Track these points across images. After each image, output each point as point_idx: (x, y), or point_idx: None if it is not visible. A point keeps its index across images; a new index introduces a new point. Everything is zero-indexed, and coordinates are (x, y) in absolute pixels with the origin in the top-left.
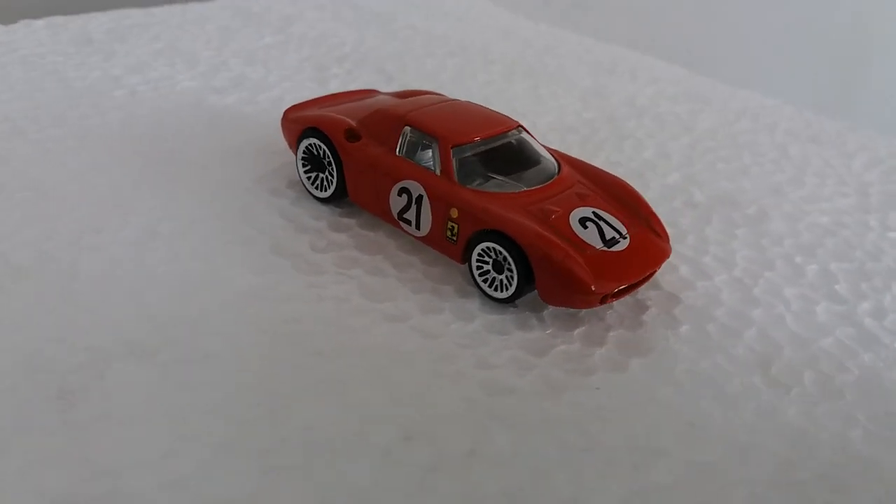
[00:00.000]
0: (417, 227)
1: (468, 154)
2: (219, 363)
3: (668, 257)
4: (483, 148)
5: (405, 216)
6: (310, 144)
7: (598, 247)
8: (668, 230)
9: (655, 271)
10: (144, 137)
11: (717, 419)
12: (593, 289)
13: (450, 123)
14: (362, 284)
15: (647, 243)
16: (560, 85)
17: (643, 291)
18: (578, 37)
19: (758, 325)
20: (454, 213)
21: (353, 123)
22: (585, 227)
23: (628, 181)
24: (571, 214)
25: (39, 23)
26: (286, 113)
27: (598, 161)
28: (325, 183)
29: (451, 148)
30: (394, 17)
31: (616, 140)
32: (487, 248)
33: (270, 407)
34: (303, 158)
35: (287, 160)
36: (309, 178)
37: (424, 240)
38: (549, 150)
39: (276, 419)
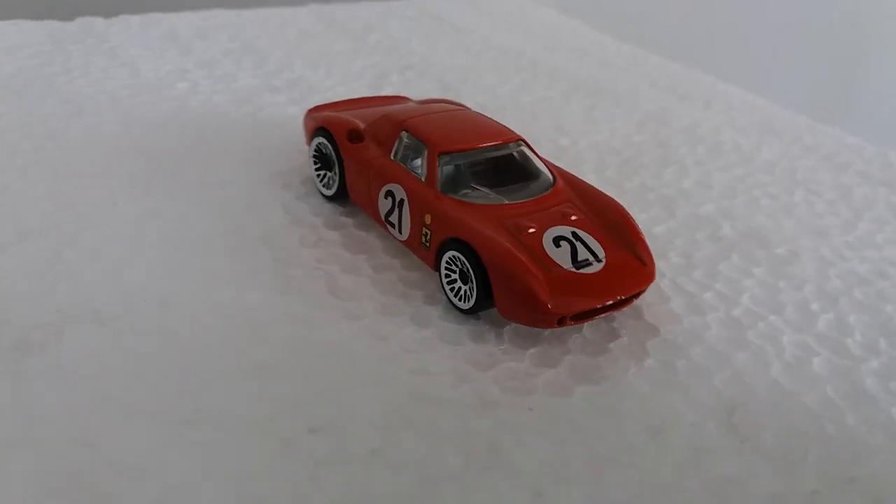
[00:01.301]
0: (399, 230)
1: (456, 162)
2: (170, 338)
3: (647, 285)
4: (473, 158)
5: (390, 219)
6: (319, 143)
7: (566, 267)
8: (678, 262)
9: (632, 299)
10: (187, 126)
11: (644, 457)
12: (550, 307)
13: (444, 131)
14: (334, 281)
15: (625, 268)
16: (622, 107)
17: (621, 319)
18: (663, 61)
19: (736, 369)
20: (428, 219)
21: (361, 126)
22: (558, 246)
23: (655, 207)
24: (547, 232)
25: (135, 18)
26: (308, 112)
27: (631, 184)
28: (331, 181)
29: (438, 155)
30: (473, 31)
31: (658, 166)
32: (454, 256)
33: (198, 383)
34: (314, 156)
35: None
36: (318, 175)
37: (405, 244)
38: (550, 167)
39: (198, 395)
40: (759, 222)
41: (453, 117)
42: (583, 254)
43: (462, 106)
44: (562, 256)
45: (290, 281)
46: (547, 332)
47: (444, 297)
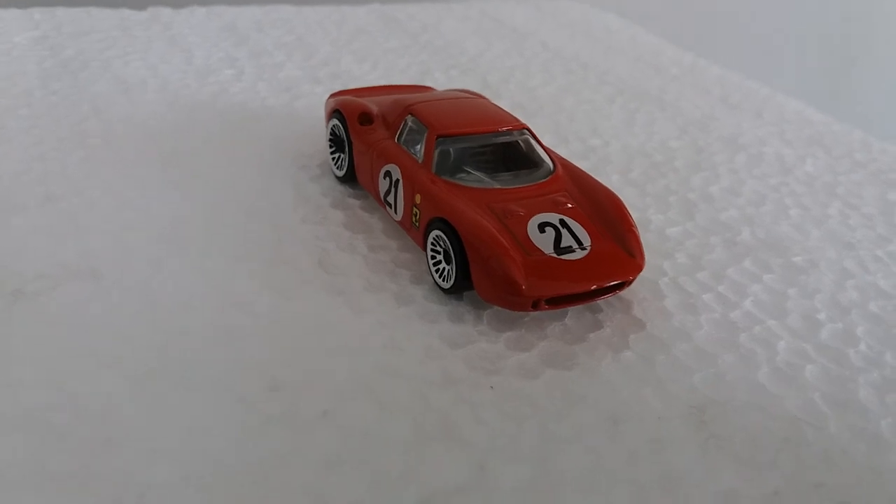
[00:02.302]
0: (395, 210)
1: (454, 146)
2: (153, 298)
3: (630, 276)
4: (472, 143)
5: (388, 199)
6: (334, 126)
7: (546, 252)
8: (684, 262)
9: (616, 289)
10: (226, 109)
11: (599, 444)
12: (523, 288)
13: (446, 116)
14: (327, 257)
15: (609, 258)
16: (666, 112)
17: (608, 312)
18: (722, 71)
19: (720, 369)
20: (418, 199)
21: (373, 110)
22: (543, 232)
23: (674, 209)
24: (534, 218)
25: (201, 10)
26: (330, 96)
27: (654, 187)
28: (343, 162)
29: (437, 138)
30: (531, 34)
31: (689, 170)
32: (438, 236)
33: (170, 341)
34: (329, 139)
35: None
36: (333, 157)
37: (400, 224)
38: (553, 157)
39: (167, 351)
40: (782, 231)
41: (460, 104)
42: (567, 240)
43: (479, 96)
44: (544, 242)
45: (283, 254)
46: (527, 318)
47: (431, 278)
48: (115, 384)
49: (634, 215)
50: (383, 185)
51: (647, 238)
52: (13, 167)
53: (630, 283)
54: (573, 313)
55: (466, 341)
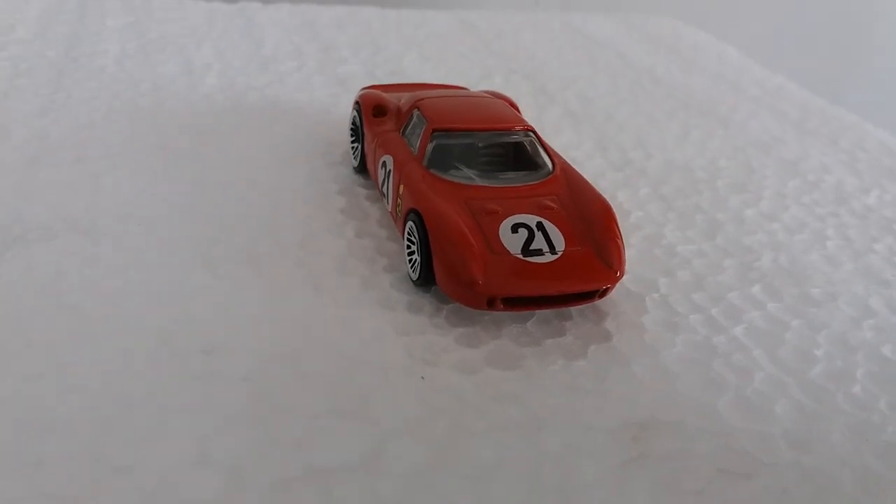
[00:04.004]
0: (387, 200)
1: (449, 141)
2: (138, 257)
3: (602, 286)
4: (469, 139)
5: (383, 189)
6: (354, 117)
7: (512, 252)
8: (685, 280)
9: (586, 298)
10: (274, 95)
11: (510, 442)
12: (479, 282)
13: (448, 111)
14: (311, 237)
15: (580, 265)
16: (729, 131)
17: (577, 320)
18: (809, 96)
19: (677, 390)
20: (401, 189)
21: (390, 103)
22: (515, 233)
23: (696, 228)
24: (510, 218)
25: (288, 6)
26: (362, 89)
27: (683, 203)
28: (359, 152)
29: (433, 131)
30: (609, 46)
31: (729, 190)
32: (411, 227)
33: (137, 296)
34: (350, 128)
35: None
36: (352, 147)
37: (391, 214)
38: (556, 160)
39: (132, 307)
40: (810, 260)
41: (468, 101)
42: (538, 243)
43: (501, 97)
44: (514, 242)
45: (270, 226)
46: (487, 317)
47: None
48: (78, 334)
49: (649, 229)
50: (380, 174)
51: (653, 253)
52: (62, 131)
53: (605, 293)
54: (539, 318)
55: (416, 331)
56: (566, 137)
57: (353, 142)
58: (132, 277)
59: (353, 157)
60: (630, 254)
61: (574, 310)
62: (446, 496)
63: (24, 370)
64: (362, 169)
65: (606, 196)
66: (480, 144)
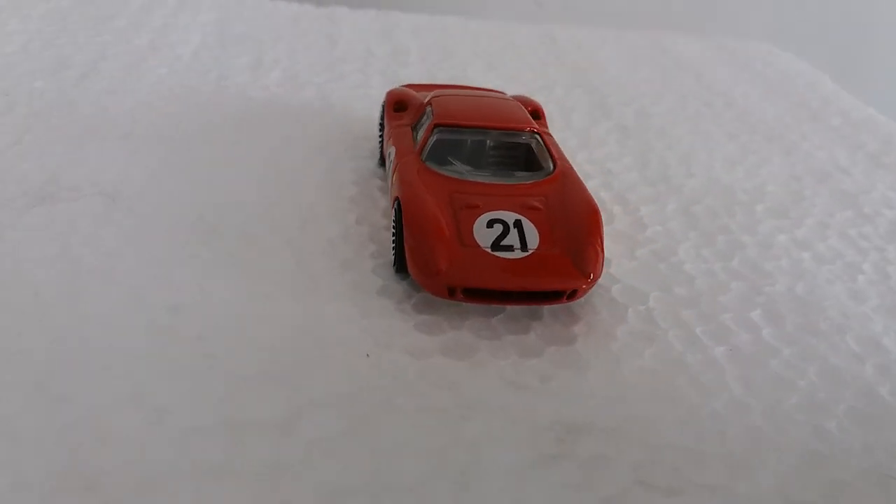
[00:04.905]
0: (389, 191)
1: (451, 136)
2: (148, 222)
3: (568, 289)
4: (470, 136)
5: (388, 180)
6: (381, 112)
7: (482, 246)
8: (680, 295)
9: (554, 298)
10: (329, 93)
11: (427, 423)
12: (441, 269)
13: (456, 108)
14: (310, 220)
15: (551, 266)
16: (791, 158)
17: (546, 320)
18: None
19: (626, 399)
20: (394, 178)
21: (412, 100)
22: (490, 228)
23: (713, 249)
24: (488, 213)
25: (374, 12)
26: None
27: (709, 225)
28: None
29: (435, 126)
30: (691, 68)
31: (766, 215)
32: (394, 214)
33: (132, 252)
34: (379, 124)
35: None
36: (379, 142)
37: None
38: (559, 164)
39: (121, 260)
40: (832, 292)
41: (479, 101)
42: (510, 240)
43: (529, 102)
44: (486, 236)
45: (272, 211)
46: (456, 306)
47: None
48: (62, 272)
49: (661, 244)
50: (387, 165)
51: (656, 267)
52: (121, 109)
53: (574, 296)
54: (509, 314)
55: (379, 314)
56: (608, 150)
57: (380, 137)
58: (133, 239)
59: (379, 151)
60: (631, 265)
61: (546, 310)
62: (347, 466)
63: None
64: (383, 163)
65: (628, 209)
66: (482, 142)
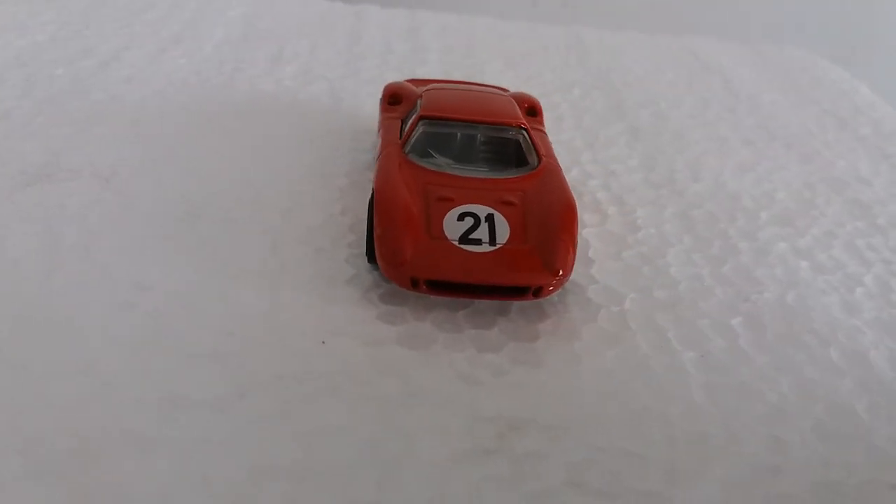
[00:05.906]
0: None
1: (435, 129)
2: (135, 203)
3: (534, 285)
4: (454, 129)
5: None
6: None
7: (450, 238)
8: (658, 298)
9: (520, 293)
10: (342, 88)
11: (374, 413)
12: (405, 259)
13: (444, 102)
14: (294, 208)
15: (517, 261)
16: (808, 166)
17: (512, 316)
18: None
19: (570, 399)
20: (375, 168)
21: (408, 93)
22: (460, 221)
23: (705, 254)
24: (461, 206)
25: (405, 12)
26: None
27: (708, 230)
28: None
29: (420, 118)
30: (718, 72)
31: (769, 222)
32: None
33: (114, 229)
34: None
35: None
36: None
37: None
38: (545, 159)
39: (100, 238)
40: (824, 303)
41: (468, 95)
42: (479, 234)
43: (527, 99)
44: (455, 229)
45: (258, 197)
46: (424, 299)
47: None
48: (41, 246)
49: (650, 247)
50: (374, 156)
51: (640, 270)
52: (135, 97)
53: (540, 292)
54: (475, 309)
55: (343, 302)
56: (615, 151)
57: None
58: (116, 219)
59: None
60: (615, 266)
61: (515, 307)
62: (276, 447)
63: None
64: None
65: (624, 210)
66: (473, 137)
